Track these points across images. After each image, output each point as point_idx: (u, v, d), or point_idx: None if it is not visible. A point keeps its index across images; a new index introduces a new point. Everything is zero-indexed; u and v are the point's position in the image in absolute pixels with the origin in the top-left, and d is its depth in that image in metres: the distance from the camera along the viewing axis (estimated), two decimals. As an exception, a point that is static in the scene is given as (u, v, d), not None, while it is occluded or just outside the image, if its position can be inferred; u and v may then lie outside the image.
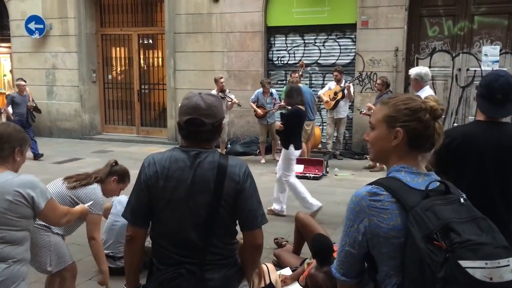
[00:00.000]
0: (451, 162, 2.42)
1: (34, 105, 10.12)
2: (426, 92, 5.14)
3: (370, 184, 1.58)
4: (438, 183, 1.53)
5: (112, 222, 4.48)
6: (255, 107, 9.37)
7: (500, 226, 2.33)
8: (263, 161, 9.45)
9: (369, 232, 1.53)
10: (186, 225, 1.99)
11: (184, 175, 1.99)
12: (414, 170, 1.57)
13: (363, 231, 1.54)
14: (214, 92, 9.18)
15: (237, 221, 2.11)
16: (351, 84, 9.52)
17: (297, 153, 6.06)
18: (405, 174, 1.56)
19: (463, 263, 1.32)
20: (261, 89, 9.42)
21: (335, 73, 9.50)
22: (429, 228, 1.38)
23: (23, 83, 10.00)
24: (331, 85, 9.57)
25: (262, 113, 9.28)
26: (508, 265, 1.34)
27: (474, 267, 1.32)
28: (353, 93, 9.67)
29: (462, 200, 1.45)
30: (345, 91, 9.35)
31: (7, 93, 10.68)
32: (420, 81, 5.34)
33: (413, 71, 5.51)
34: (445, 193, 1.49)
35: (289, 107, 6.04)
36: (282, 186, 6.08)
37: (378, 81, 8.84)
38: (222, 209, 1.99)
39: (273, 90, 9.55)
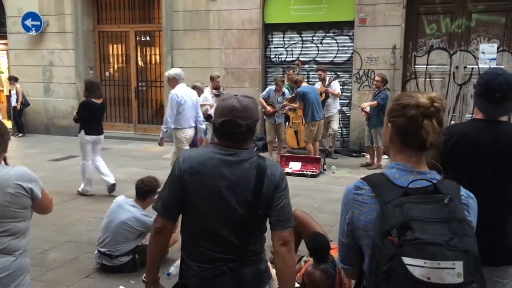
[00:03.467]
0: (448, 160, 2.41)
1: (208, 113, 8.55)
2: (179, 88, 6.57)
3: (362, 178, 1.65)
4: (427, 182, 1.52)
5: (109, 220, 4.47)
6: (264, 103, 9.03)
7: (496, 225, 2.34)
8: None
9: (352, 224, 1.63)
10: (221, 222, 2.01)
11: (222, 172, 2.00)
12: (408, 167, 1.59)
13: (348, 222, 1.64)
14: (208, 89, 9.12)
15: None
16: (331, 84, 9.49)
17: (88, 138, 6.92)
18: (396, 171, 1.59)
19: (405, 260, 1.36)
20: (273, 87, 9.18)
21: (319, 72, 9.48)
22: (391, 224, 1.42)
23: (203, 86, 8.60)
24: (318, 85, 9.54)
25: (271, 111, 9.02)
26: (453, 268, 1.35)
27: (414, 265, 1.35)
28: (339, 89, 9.62)
29: (446, 200, 1.45)
30: (329, 93, 9.41)
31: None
32: (177, 79, 6.66)
33: (171, 72, 6.81)
34: (433, 192, 1.49)
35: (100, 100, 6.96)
36: (85, 169, 7.00)
37: (377, 78, 8.82)
38: (260, 207, 2.01)
39: (286, 90, 9.31)
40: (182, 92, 6.60)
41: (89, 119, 6.89)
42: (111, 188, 6.98)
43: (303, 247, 4.37)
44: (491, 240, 2.32)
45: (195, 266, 2.03)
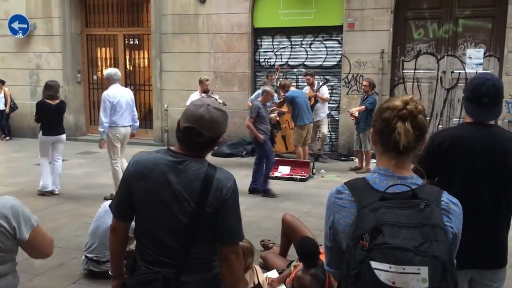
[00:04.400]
0: (441, 165, 2.42)
1: (277, 118, 7.93)
2: (112, 88, 6.74)
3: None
4: (407, 187, 1.51)
5: (96, 225, 4.42)
6: None
7: (488, 229, 2.36)
8: None
9: (333, 227, 1.64)
10: (163, 229, 1.99)
11: (166, 180, 1.97)
12: (389, 172, 1.59)
13: (330, 226, 1.65)
14: (197, 93, 9.10)
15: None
16: (320, 89, 9.53)
17: (45, 138, 7.12)
18: (377, 176, 1.60)
19: (373, 264, 1.37)
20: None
21: (307, 77, 9.46)
22: (364, 228, 1.42)
23: (272, 91, 7.85)
24: (306, 89, 9.54)
25: None
26: (418, 274, 1.35)
27: (380, 269, 1.36)
28: (327, 94, 9.68)
29: (422, 206, 1.45)
30: (318, 98, 9.44)
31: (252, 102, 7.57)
32: (110, 79, 6.78)
33: (105, 72, 7.07)
34: (411, 197, 1.48)
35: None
36: (42, 167, 7.23)
37: (365, 83, 8.87)
38: (204, 220, 1.97)
39: (275, 94, 9.25)
40: (115, 92, 6.72)
41: (44, 119, 7.06)
42: (40, 192, 7.16)
43: (292, 252, 4.36)
44: (483, 244, 2.34)
45: (144, 267, 2.04)
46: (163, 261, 1.99)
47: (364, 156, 8.96)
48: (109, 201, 4.62)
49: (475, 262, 2.31)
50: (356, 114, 8.72)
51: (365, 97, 8.82)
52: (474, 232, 2.03)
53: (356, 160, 9.45)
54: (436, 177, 2.43)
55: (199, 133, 1.97)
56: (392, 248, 1.36)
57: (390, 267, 1.35)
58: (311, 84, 9.46)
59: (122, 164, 6.90)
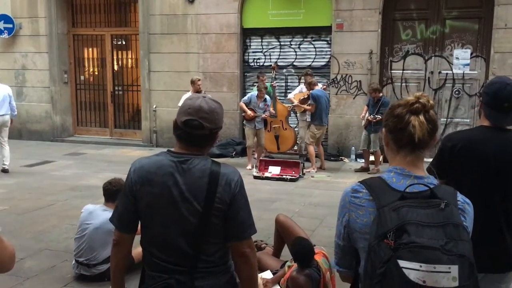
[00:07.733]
0: (453, 167, 2.41)
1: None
2: None
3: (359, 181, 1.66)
4: (424, 187, 1.52)
5: (81, 230, 4.36)
6: (245, 108, 9.00)
7: (498, 232, 2.35)
8: (249, 167, 9.10)
9: (348, 226, 1.64)
10: (174, 232, 1.94)
11: (172, 181, 1.92)
12: (406, 171, 1.59)
13: (344, 225, 1.65)
14: (189, 93, 9.06)
15: None
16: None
17: None
18: (393, 175, 1.60)
19: (401, 263, 1.37)
20: (255, 92, 9.11)
21: (308, 77, 9.36)
22: (388, 227, 1.43)
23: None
24: (303, 87, 9.53)
25: (252, 116, 8.95)
26: (449, 272, 1.36)
27: (410, 268, 1.36)
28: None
29: (442, 205, 1.45)
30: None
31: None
32: None
33: None
34: (430, 197, 1.49)
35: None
36: None
37: (373, 94, 8.75)
38: (214, 217, 1.93)
39: (267, 97, 9.22)
40: None
41: None
42: None
43: (286, 252, 4.36)
44: (493, 247, 2.34)
45: (154, 276, 1.98)
46: (175, 269, 1.93)
47: (371, 156, 8.96)
48: (88, 205, 4.61)
49: (486, 266, 2.30)
50: (368, 117, 8.74)
51: (375, 100, 8.72)
52: (484, 235, 2.02)
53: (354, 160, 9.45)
54: (447, 177, 2.42)
55: (200, 125, 1.92)
56: (420, 247, 1.36)
57: (420, 266, 1.35)
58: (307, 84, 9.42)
59: (5, 147, 8.57)
